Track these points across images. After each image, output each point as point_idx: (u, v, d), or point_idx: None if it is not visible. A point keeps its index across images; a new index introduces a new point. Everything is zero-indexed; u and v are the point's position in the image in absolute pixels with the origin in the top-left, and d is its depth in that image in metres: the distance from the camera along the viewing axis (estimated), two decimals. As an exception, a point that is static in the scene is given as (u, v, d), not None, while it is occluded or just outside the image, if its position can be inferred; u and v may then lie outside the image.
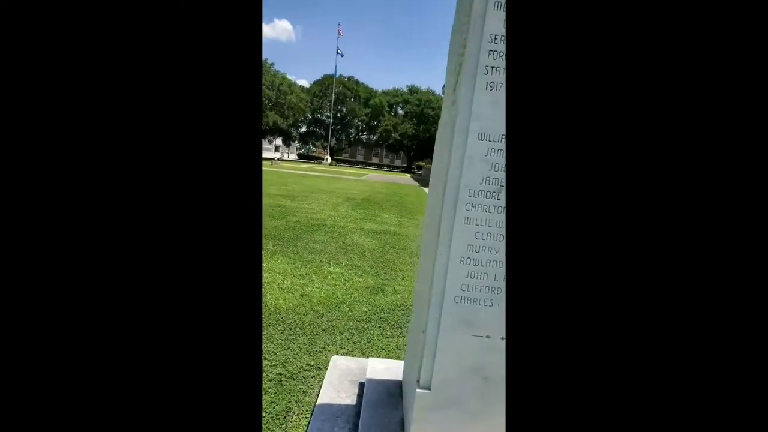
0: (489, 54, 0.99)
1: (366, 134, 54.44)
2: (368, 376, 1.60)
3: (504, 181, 1.03)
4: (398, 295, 3.26)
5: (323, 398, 1.56)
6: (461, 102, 1.04)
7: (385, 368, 1.66)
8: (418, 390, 1.12)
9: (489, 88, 1.01)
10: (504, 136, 1.03)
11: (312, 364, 2.12)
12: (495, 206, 1.06)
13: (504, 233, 1.03)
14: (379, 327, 2.67)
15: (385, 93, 53.91)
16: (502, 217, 1.03)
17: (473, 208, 1.05)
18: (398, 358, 2.26)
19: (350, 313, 2.84)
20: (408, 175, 34.26)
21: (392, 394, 1.50)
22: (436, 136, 1.37)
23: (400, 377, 1.61)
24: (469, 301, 1.08)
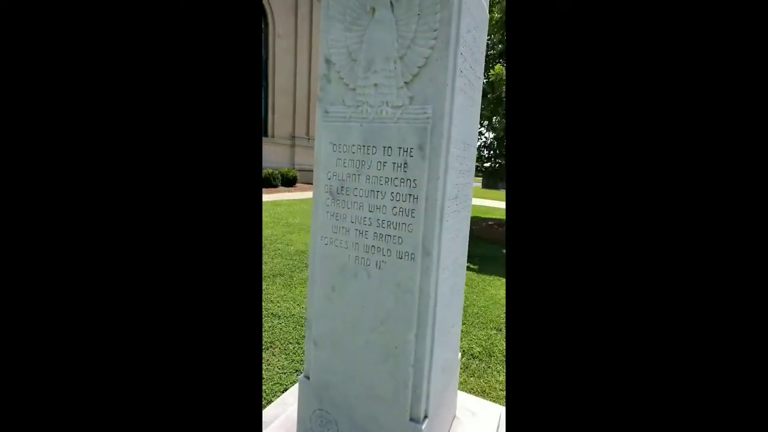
0: (460, 55, 0.90)
1: None
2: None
3: (458, 188, 1.03)
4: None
5: None
6: (436, 102, 0.89)
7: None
8: (422, 426, 0.97)
9: (461, 91, 0.93)
10: (465, 143, 1.01)
11: None
12: (455, 212, 1.04)
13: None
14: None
15: None
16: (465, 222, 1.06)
17: (448, 218, 0.98)
18: None
19: None
20: None
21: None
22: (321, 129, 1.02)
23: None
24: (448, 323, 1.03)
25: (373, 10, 0.94)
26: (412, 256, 0.96)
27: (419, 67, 0.90)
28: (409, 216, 0.95)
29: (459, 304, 1.30)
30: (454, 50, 0.88)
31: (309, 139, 14.70)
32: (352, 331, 1.08)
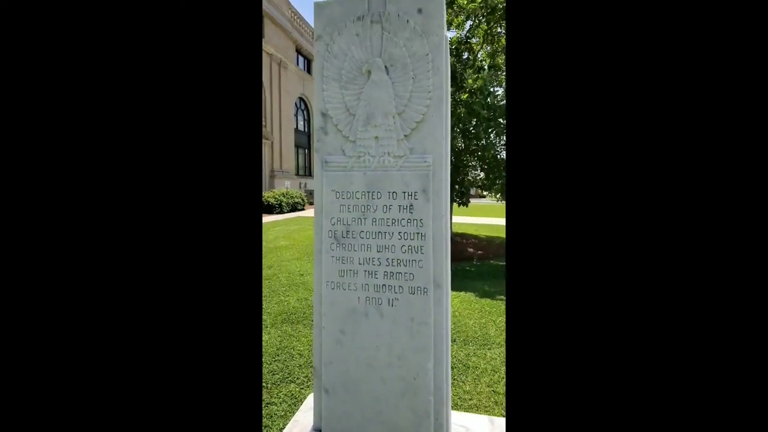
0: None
1: None
2: None
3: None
4: None
5: None
6: (435, 153, 1.02)
7: None
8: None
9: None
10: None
11: None
12: (449, 244, 1.17)
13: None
14: None
15: None
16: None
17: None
18: None
19: None
20: None
21: None
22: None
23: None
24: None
25: (369, 72, 1.05)
26: (425, 290, 1.05)
27: (417, 122, 1.03)
28: (419, 252, 1.05)
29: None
30: (446, 109, 1.04)
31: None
32: (367, 371, 1.11)
